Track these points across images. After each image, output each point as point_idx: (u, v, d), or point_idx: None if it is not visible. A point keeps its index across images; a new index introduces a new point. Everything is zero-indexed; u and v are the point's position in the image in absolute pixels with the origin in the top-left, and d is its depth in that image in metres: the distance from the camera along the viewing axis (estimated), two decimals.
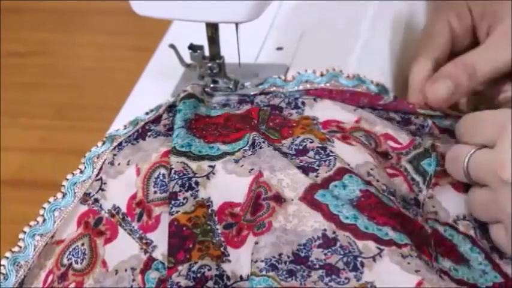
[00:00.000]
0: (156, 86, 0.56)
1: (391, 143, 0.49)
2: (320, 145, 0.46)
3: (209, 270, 0.41)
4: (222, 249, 0.43)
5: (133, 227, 0.46)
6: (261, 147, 0.46)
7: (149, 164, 0.47)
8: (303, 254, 0.41)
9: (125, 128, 0.50)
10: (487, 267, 0.43)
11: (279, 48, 0.64)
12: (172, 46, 0.57)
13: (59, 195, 0.47)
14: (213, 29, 0.54)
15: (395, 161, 0.48)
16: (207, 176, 0.45)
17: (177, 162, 0.46)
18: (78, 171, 0.48)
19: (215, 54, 0.55)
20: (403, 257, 0.40)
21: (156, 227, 0.45)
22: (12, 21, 0.85)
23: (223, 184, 0.45)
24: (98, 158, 0.48)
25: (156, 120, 0.51)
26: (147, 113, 0.51)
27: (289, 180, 0.44)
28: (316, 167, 0.45)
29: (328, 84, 0.53)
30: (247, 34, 0.55)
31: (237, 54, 0.55)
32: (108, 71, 0.76)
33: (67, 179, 0.47)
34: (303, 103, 0.51)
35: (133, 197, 0.46)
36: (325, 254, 0.41)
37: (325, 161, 0.45)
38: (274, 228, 0.41)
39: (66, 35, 0.83)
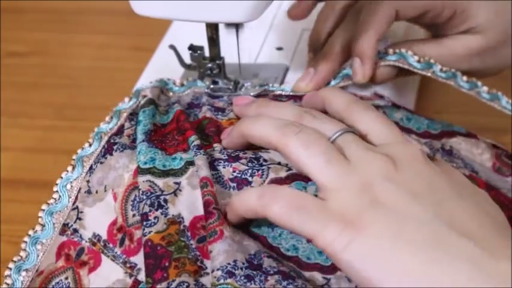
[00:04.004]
0: None
1: None
2: (253, 155, 0.47)
3: (188, 286, 0.41)
4: (198, 263, 0.42)
5: (116, 252, 0.45)
6: (202, 154, 0.46)
7: (124, 187, 0.47)
8: (256, 262, 0.41)
9: (90, 146, 0.49)
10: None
11: (279, 48, 0.64)
12: (172, 47, 0.57)
13: (38, 227, 0.47)
14: (213, 30, 0.54)
15: None
16: (175, 193, 0.45)
17: (143, 181, 0.45)
18: (53, 200, 0.47)
19: (215, 55, 0.55)
20: (350, 280, 0.40)
21: (138, 250, 0.45)
22: (12, 21, 0.85)
23: (191, 200, 0.45)
24: (71, 185, 0.48)
25: (119, 130, 0.50)
26: (108, 122, 0.50)
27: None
28: (250, 178, 0.45)
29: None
30: (247, 34, 0.55)
31: (237, 54, 0.55)
32: (108, 71, 0.76)
33: (43, 210, 0.47)
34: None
35: (114, 223, 0.46)
36: (277, 263, 0.41)
37: (258, 170, 0.46)
38: (226, 236, 0.41)
39: (66, 35, 0.83)
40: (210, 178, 0.44)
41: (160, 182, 0.45)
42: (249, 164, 0.46)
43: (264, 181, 0.45)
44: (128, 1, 0.51)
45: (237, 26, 0.53)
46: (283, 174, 0.45)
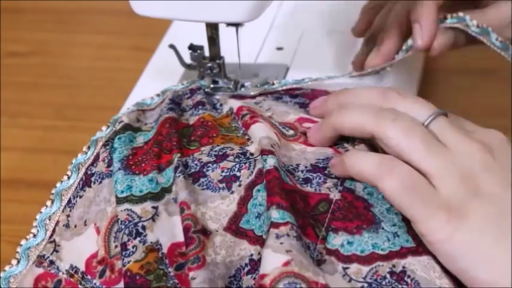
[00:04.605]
0: (156, 86, 0.56)
1: (307, 124, 0.50)
2: (240, 151, 0.47)
3: None
4: None
5: (95, 284, 0.45)
6: (184, 177, 0.46)
7: (107, 220, 0.46)
8: (234, 286, 0.41)
9: (68, 178, 0.49)
10: (400, 230, 0.42)
11: (279, 48, 0.64)
12: (172, 46, 0.57)
13: (14, 261, 0.46)
14: (213, 29, 0.54)
15: None
16: (152, 218, 0.45)
17: (121, 211, 0.45)
18: (31, 235, 0.47)
19: (215, 55, 0.55)
20: (278, 237, 0.40)
21: (119, 281, 0.44)
22: (12, 21, 0.85)
23: (168, 226, 0.44)
24: (49, 219, 0.47)
25: (95, 160, 0.49)
26: (85, 152, 0.50)
27: (212, 213, 0.44)
28: (238, 173, 0.45)
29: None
30: (247, 34, 0.55)
31: (237, 54, 0.55)
32: (108, 71, 0.76)
33: (21, 245, 0.47)
34: (221, 104, 0.53)
35: (94, 256, 0.46)
36: (254, 278, 0.41)
37: (245, 163, 0.46)
38: (208, 262, 0.41)
39: (66, 35, 0.83)
40: (187, 201, 0.44)
41: (138, 208, 0.45)
42: (236, 160, 0.46)
43: (252, 172, 0.45)
44: (128, 1, 0.51)
45: (237, 26, 0.53)
46: None
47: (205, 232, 0.43)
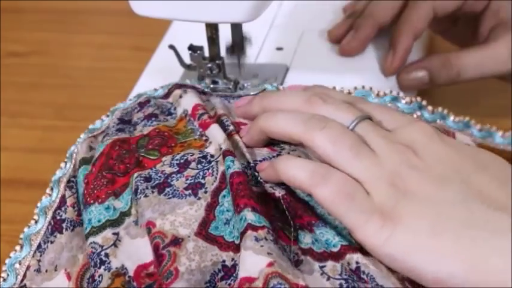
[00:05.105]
0: (156, 86, 0.56)
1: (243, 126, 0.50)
2: (200, 155, 0.47)
3: None
4: None
5: None
6: (145, 196, 0.45)
7: (78, 267, 0.46)
8: None
9: (36, 223, 0.48)
10: (345, 231, 0.42)
11: (279, 48, 0.64)
12: (172, 47, 0.57)
13: None
14: (213, 29, 0.54)
15: None
16: (114, 244, 0.45)
17: (87, 246, 0.45)
18: (1, 279, 0.47)
19: (215, 55, 0.55)
20: (257, 240, 0.40)
21: None
22: (12, 21, 0.85)
23: (131, 249, 0.44)
24: (20, 264, 0.47)
25: (62, 202, 0.49)
26: (49, 195, 0.49)
27: (182, 219, 0.44)
28: (202, 180, 0.46)
29: None
30: (247, 34, 0.55)
31: (237, 54, 0.55)
32: (108, 71, 0.76)
33: None
34: (175, 108, 0.53)
35: None
36: (229, 284, 0.41)
37: (208, 169, 0.46)
38: (182, 272, 0.41)
39: (66, 35, 0.83)
40: (152, 220, 0.44)
41: (99, 238, 0.45)
42: (199, 166, 0.47)
43: (216, 178, 0.46)
44: (128, 1, 0.51)
45: (237, 26, 0.54)
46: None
47: (177, 241, 0.43)
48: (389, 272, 0.40)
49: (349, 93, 0.52)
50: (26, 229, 0.48)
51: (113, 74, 0.75)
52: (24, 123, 0.70)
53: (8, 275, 0.47)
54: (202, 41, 0.55)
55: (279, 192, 0.44)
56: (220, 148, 0.47)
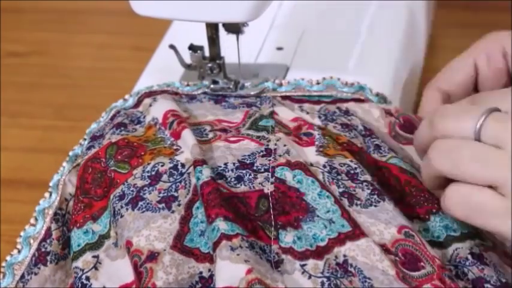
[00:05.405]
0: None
1: (225, 124, 0.51)
2: (171, 164, 0.47)
3: None
4: None
5: None
6: (121, 216, 0.45)
7: None
8: None
9: (19, 252, 0.48)
10: (335, 215, 0.43)
11: (279, 48, 0.64)
12: (172, 47, 0.57)
13: None
14: (213, 29, 0.54)
15: (236, 133, 0.50)
16: (95, 267, 0.45)
17: (72, 271, 0.45)
18: None
19: (215, 55, 0.55)
20: (232, 249, 0.40)
21: None
22: (12, 21, 0.85)
23: (111, 271, 0.45)
24: None
25: (47, 234, 0.48)
26: (33, 225, 0.49)
27: (156, 232, 0.44)
28: (175, 193, 0.46)
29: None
30: (247, 34, 0.55)
31: (237, 54, 0.55)
32: (108, 71, 0.76)
33: None
34: (144, 116, 0.53)
35: None
36: None
37: (180, 181, 0.46)
38: (160, 286, 0.41)
39: (66, 35, 0.83)
40: (130, 239, 0.44)
41: (79, 262, 0.45)
42: (171, 179, 0.46)
43: (189, 190, 0.45)
44: (128, 1, 0.51)
45: (237, 34, 0.54)
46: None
47: (153, 256, 0.43)
48: (383, 255, 0.40)
49: (318, 83, 0.54)
50: (8, 258, 0.47)
51: (113, 74, 0.75)
52: (24, 123, 0.71)
53: None
54: (202, 41, 0.55)
55: (267, 189, 0.44)
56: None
